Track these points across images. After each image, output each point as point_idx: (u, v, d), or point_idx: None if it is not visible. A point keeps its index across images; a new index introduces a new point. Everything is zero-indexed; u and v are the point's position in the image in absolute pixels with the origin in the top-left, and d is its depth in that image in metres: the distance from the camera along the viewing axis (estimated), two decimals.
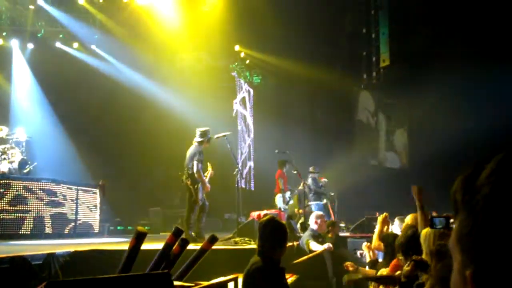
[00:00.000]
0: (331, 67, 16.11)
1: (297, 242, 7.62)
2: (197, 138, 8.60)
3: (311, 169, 12.36)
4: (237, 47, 15.88)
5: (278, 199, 11.35)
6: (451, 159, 14.24)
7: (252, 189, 15.94)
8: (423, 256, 3.46)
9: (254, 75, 17.08)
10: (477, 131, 14.32)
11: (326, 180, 12.50)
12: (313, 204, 11.59)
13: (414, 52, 16.28)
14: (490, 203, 0.81)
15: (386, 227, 6.06)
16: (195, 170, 8.20)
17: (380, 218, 6.09)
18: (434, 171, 15.19)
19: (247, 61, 16.55)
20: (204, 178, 8.41)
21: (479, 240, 0.83)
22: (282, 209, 10.97)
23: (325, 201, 12.16)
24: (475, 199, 0.83)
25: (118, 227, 13.20)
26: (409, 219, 5.64)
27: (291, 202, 11.55)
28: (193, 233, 8.11)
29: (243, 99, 16.58)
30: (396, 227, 6.42)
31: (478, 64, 14.60)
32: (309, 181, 11.85)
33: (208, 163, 8.71)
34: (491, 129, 14.16)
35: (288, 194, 11.46)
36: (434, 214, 5.09)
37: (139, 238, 3.20)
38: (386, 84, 17.41)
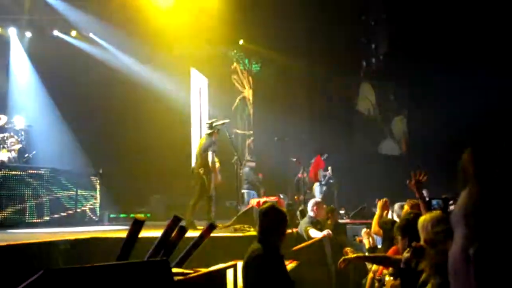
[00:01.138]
0: (330, 55, 16.03)
1: (296, 229, 7.63)
2: (207, 131, 8.96)
3: (247, 157, 12.51)
4: (241, 42, 15.85)
5: (317, 189, 11.51)
6: (451, 146, 14.24)
7: None
8: (421, 243, 3.46)
9: (253, 62, 17.01)
10: (477, 117, 14.29)
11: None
12: (245, 192, 11.73)
13: (414, 39, 16.20)
14: (507, 178, 0.80)
15: (385, 212, 6.08)
16: (208, 160, 8.50)
17: (379, 203, 6.11)
18: (433, 158, 15.19)
19: (246, 49, 16.45)
20: (217, 168, 8.61)
21: (489, 216, 0.82)
22: (317, 197, 11.08)
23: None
24: (491, 173, 0.82)
25: (118, 215, 13.23)
26: (407, 205, 5.66)
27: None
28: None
29: (243, 86, 16.53)
30: (395, 214, 6.43)
31: (478, 49, 14.56)
32: (246, 170, 11.96)
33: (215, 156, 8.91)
34: (491, 114, 14.16)
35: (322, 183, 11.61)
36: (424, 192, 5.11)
37: (137, 225, 3.20)
38: (386, 72, 17.36)
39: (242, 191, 11.57)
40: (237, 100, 16.34)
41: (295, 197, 12.48)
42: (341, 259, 4.47)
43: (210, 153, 8.59)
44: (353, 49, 17.14)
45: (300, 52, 15.60)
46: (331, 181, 13.11)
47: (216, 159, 8.88)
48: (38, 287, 2.01)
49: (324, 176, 12.04)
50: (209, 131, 8.91)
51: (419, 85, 16.73)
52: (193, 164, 8.65)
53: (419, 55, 15.96)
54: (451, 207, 3.64)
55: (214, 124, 9.02)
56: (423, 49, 15.92)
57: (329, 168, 12.42)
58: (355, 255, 4.83)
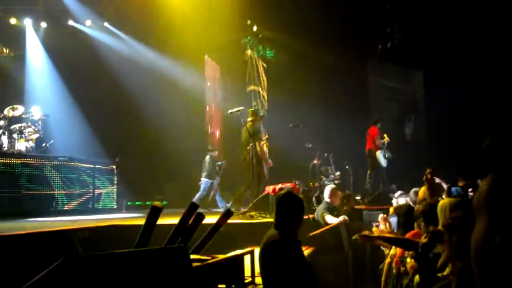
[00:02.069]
0: (345, 38, 15.88)
1: (313, 215, 7.64)
2: (249, 118, 9.02)
3: (209, 147, 12.91)
4: (255, 28, 15.79)
5: (381, 156, 11.70)
6: (468, 131, 14.10)
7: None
8: (439, 227, 3.45)
9: (267, 49, 16.92)
10: (494, 102, 14.12)
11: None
12: (202, 180, 12.25)
13: (429, 22, 15.96)
14: None
15: (388, 224, 6.02)
16: (257, 148, 8.56)
17: (381, 219, 6.07)
18: (451, 143, 15.06)
19: (260, 35, 16.37)
20: (266, 154, 8.82)
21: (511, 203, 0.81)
22: (384, 164, 11.73)
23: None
24: None
25: (135, 203, 13.34)
26: (421, 191, 5.63)
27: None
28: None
29: (257, 73, 16.46)
30: (410, 200, 6.40)
31: (495, 33, 14.32)
32: (206, 158, 12.43)
33: (263, 139, 8.99)
34: (510, 100, 13.96)
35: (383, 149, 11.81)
36: (437, 180, 5.11)
37: (155, 213, 3.22)
38: (401, 56, 17.15)
39: (201, 179, 12.30)
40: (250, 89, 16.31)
41: (311, 183, 12.49)
42: (360, 234, 4.48)
43: (257, 141, 8.65)
44: (368, 33, 16.96)
45: (314, 38, 15.46)
46: (347, 166, 13.09)
47: (264, 142, 8.95)
48: (59, 274, 2.04)
49: (383, 143, 12.19)
50: (251, 118, 8.99)
51: (435, 68, 16.51)
52: (253, 154, 8.68)
53: (435, 38, 15.74)
54: (471, 194, 3.61)
55: (229, 112, 9.00)
56: (439, 33, 15.70)
57: (385, 135, 12.47)
58: (375, 234, 4.84)
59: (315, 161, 12.73)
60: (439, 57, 15.56)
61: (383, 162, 12.03)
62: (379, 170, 12.13)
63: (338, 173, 12.85)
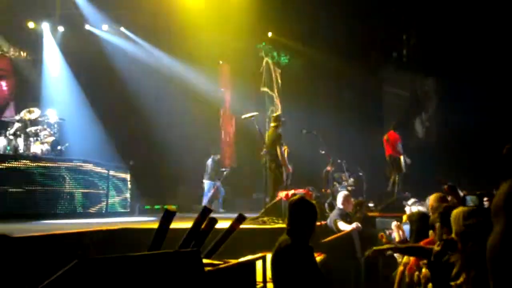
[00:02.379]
0: (360, 45, 15.84)
1: (325, 222, 7.61)
2: (272, 123, 9.14)
3: (212, 151, 13.33)
4: (270, 34, 15.84)
5: (403, 161, 11.76)
6: (483, 136, 13.97)
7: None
8: (453, 236, 3.41)
9: (281, 55, 16.92)
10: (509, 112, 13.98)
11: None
12: (205, 182, 12.88)
13: (445, 29, 15.87)
14: None
15: (402, 232, 5.97)
16: (279, 154, 8.63)
17: (395, 227, 6.02)
18: (465, 148, 14.92)
19: (275, 42, 16.37)
20: (286, 160, 8.77)
21: None
22: (404, 170, 11.87)
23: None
24: None
25: (148, 207, 13.40)
26: (431, 199, 5.58)
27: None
28: None
29: (271, 79, 16.47)
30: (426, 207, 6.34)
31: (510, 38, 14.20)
32: (209, 161, 13.06)
33: (283, 145, 9.01)
34: None
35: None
36: (445, 187, 5.06)
37: (169, 217, 3.24)
38: (416, 62, 17.06)
39: (203, 180, 12.90)
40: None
41: (323, 189, 12.45)
42: (371, 249, 4.44)
43: (278, 147, 8.68)
44: (383, 40, 16.90)
45: (328, 45, 15.44)
46: (360, 173, 13.03)
47: (285, 148, 8.98)
48: (72, 276, 2.06)
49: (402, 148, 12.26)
50: (274, 123, 9.04)
51: (451, 75, 16.40)
52: (266, 159, 8.70)
53: (450, 45, 15.64)
54: (486, 204, 3.56)
55: (243, 117, 9.03)
56: (454, 38, 15.60)
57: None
58: (386, 246, 4.79)
59: (329, 168, 12.68)
60: (453, 64, 15.46)
61: (405, 168, 12.02)
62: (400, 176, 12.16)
63: (351, 180, 12.80)
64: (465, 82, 15.26)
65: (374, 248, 4.42)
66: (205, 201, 12.54)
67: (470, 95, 14.98)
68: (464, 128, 14.78)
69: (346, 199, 7.56)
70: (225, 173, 13.36)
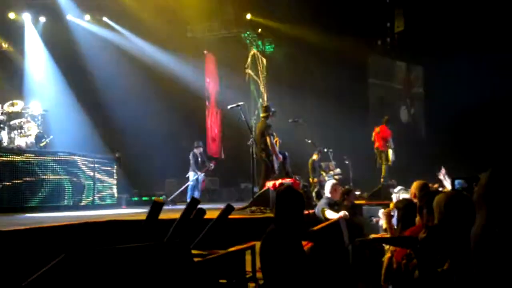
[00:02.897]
0: (344, 33, 15.86)
1: (313, 211, 7.64)
2: (262, 114, 9.22)
3: (195, 144, 12.97)
4: (248, 16, 15.71)
5: (391, 154, 11.91)
6: (468, 125, 14.12)
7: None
8: (436, 222, 3.44)
9: (266, 43, 16.89)
10: (494, 97, 14.13)
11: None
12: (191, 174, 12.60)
13: (429, 17, 15.95)
14: None
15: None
16: (268, 143, 8.68)
17: (384, 214, 6.06)
18: (451, 137, 15.08)
19: (259, 30, 16.33)
20: (276, 149, 8.83)
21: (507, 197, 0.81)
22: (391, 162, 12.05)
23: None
24: None
25: (135, 198, 13.35)
26: (414, 186, 5.62)
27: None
28: None
29: (256, 67, 16.45)
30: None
31: (495, 28, 14.32)
32: (190, 155, 12.78)
33: (275, 134, 9.03)
34: (509, 93, 13.99)
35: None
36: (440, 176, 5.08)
37: (156, 208, 3.23)
38: (400, 50, 17.15)
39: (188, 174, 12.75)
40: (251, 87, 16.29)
41: (310, 179, 12.52)
42: (358, 239, 4.47)
43: (267, 137, 8.70)
44: (368, 28, 16.93)
45: (314, 33, 15.44)
46: (346, 162, 13.12)
47: (276, 139, 9.00)
48: (61, 269, 2.04)
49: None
50: (264, 114, 9.07)
51: (434, 64, 16.51)
52: (253, 149, 8.69)
53: (434, 34, 15.73)
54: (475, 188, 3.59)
55: (229, 107, 9.01)
56: (439, 28, 15.69)
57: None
58: (371, 236, 4.83)
59: (314, 157, 12.74)
60: (439, 52, 15.56)
61: (392, 161, 12.24)
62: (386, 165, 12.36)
63: (338, 170, 12.88)
64: (450, 69, 15.37)
65: (358, 239, 4.46)
66: (192, 194, 12.20)
67: (456, 81, 15.11)
68: (450, 115, 14.93)
69: (334, 188, 7.59)
70: (208, 166, 13.14)
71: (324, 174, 12.62)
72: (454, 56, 15.04)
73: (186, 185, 12.58)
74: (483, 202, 1.34)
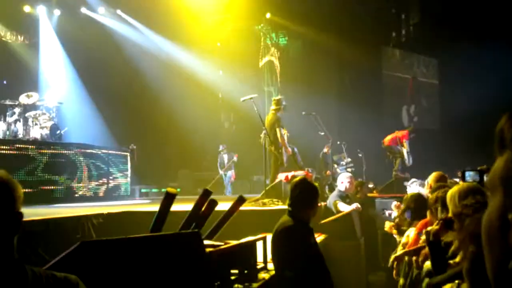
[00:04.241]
0: (359, 25, 15.75)
1: (325, 203, 7.64)
2: (272, 107, 9.10)
3: (220, 148, 14.53)
4: (268, 15, 15.72)
5: (405, 154, 11.99)
6: (484, 118, 13.95)
7: None
8: (450, 215, 3.43)
9: (280, 36, 16.82)
10: (510, 90, 13.95)
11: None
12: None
13: (445, 9, 15.77)
14: None
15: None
16: (278, 136, 8.65)
17: (395, 207, 6.05)
18: (466, 130, 14.93)
19: (268, 15, 16.20)
20: (286, 142, 8.81)
21: None
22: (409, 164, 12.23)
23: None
24: None
25: (149, 190, 13.44)
26: (431, 178, 5.59)
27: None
28: None
29: (270, 60, 16.41)
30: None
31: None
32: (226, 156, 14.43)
33: (283, 128, 9.06)
34: None
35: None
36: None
37: (169, 199, 3.26)
38: (416, 42, 16.99)
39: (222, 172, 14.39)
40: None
41: (323, 171, 12.50)
42: (392, 258, 4.53)
43: (277, 130, 8.72)
44: (382, 20, 16.79)
45: (328, 24, 15.35)
46: (360, 154, 13.07)
47: (284, 131, 9.01)
48: (75, 258, 2.08)
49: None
50: (275, 107, 9.02)
51: (450, 56, 16.34)
52: (263, 142, 8.73)
53: (450, 26, 15.56)
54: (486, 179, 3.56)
55: (242, 99, 9.00)
56: (455, 19, 15.51)
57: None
58: (401, 251, 4.84)
59: (326, 150, 12.72)
60: (454, 44, 15.38)
61: (407, 160, 12.24)
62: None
63: (349, 159, 12.85)
64: (465, 62, 15.21)
65: (394, 256, 4.50)
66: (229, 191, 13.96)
67: (471, 74, 14.95)
68: (466, 109, 14.77)
69: (348, 181, 7.56)
70: (231, 160, 14.43)
71: (336, 166, 12.60)
72: (469, 48, 14.87)
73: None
74: (500, 184, 1.32)
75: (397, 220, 5.69)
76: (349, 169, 12.35)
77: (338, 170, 12.02)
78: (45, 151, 9.74)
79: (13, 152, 9.24)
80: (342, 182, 7.54)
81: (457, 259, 3.23)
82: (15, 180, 1.53)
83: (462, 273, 2.95)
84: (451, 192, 3.27)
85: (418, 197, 5.32)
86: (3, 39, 13.93)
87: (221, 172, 14.34)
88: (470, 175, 3.25)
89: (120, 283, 1.55)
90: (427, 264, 3.59)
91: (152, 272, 2.36)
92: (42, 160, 9.59)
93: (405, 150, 12.32)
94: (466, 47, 14.98)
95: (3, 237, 1.47)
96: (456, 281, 2.91)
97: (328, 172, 12.46)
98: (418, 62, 18.65)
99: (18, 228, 1.51)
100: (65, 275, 1.54)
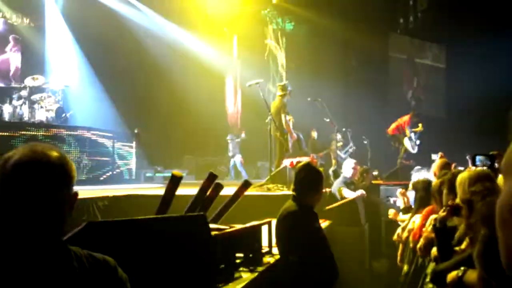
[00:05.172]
0: (366, 11, 15.60)
1: (330, 189, 7.64)
2: (278, 92, 9.12)
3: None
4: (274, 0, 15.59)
5: (407, 142, 11.93)
6: (490, 105, 13.88)
7: None
8: (458, 201, 3.41)
9: (286, 21, 16.70)
10: None
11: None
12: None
13: None
14: None
15: (407, 199, 5.98)
16: (283, 122, 8.69)
17: (400, 194, 6.02)
18: (472, 117, 14.85)
19: (275, 1, 16.07)
20: (291, 128, 8.86)
21: None
22: (414, 151, 12.20)
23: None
24: None
25: (154, 174, 13.48)
26: (435, 166, 5.58)
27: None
28: None
29: (276, 45, 16.32)
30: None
31: None
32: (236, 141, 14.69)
33: (288, 114, 9.06)
34: None
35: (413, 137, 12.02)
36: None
37: (175, 182, 3.26)
38: (424, 29, 16.83)
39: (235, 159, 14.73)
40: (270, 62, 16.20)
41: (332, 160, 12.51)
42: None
43: (282, 116, 8.73)
44: (390, 6, 16.63)
45: (334, 10, 15.21)
46: (365, 141, 13.02)
47: (289, 117, 9.01)
48: (82, 238, 2.08)
49: (414, 132, 12.40)
50: (281, 93, 9.02)
51: (458, 42, 16.20)
52: (268, 127, 8.73)
53: (458, 12, 15.40)
54: (497, 165, 3.52)
55: (248, 84, 8.99)
56: (463, 6, 15.35)
57: (420, 124, 12.55)
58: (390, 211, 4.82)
59: (333, 146, 12.79)
60: (462, 32, 15.22)
61: (412, 149, 12.19)
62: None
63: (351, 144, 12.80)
64: (473, 49, 15.07)
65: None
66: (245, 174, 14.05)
67: (479, 63, 14.82)
68: (473, 96, 14.67)
69: (353, 167, 7.56)
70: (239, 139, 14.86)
71: (334, 148, 12.67)
72: (477, 35, 14.74)
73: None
74: None
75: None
76: (350, 149, 12.39)
77: (340, 154, 12.01)
78: (50, 133, 9.75)
79: (17, 134, 9.26)
80: (347, 169, 7.54)
81: (463, 246, 3.22)
82: (70, 159, 1.50)
83: (468, 260, 2.94)
84: (461, 178, 3.25)
85: (428, 184, 5.30)
86: (9, 21, 13.89)
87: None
88: (480, 159, 3.21)
89: (126, 263, 1.55)
90: (434, 251, 3.59)
91: (158, 253, 2.36)
92: (47, 143, 9.60)
93: (406, 139, 12.27)
94: (474, 34, 14.84)
95: (60, 219, 1.45)
96: (462, 268, 2.90)
97: (334, 161, 12.51)
98: (425, 48, 18.51)
99: (72, 209, 1.49)
100: (103, 256, 1.53)
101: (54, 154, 1.43)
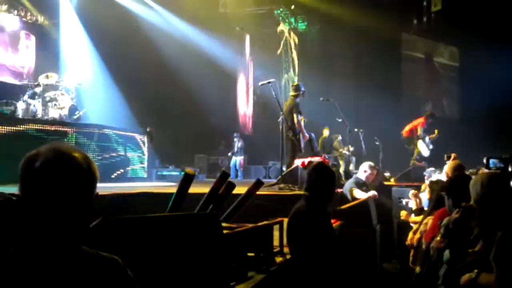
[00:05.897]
0: (379, 12, 15.53)
1: (341, 190, 7.60)
2: (292, 93, 9.16)
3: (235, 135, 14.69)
4: None
5: (421, 146, 11.89)
6: (504, 108, 13.75)
7: None
8: (472, 203, 3.37)
9: (299, 21, 16.68)
10: None
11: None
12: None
13: None
14: None
15: (419, 201, 5.93)
16: (295, 121, 8.70)
17: (412, 195, 5.97)
18: (486, 119, 14.73)
19: (292, 7, 16.12)
20: (303, 128, 8.86)
21: None
22: (426, 155, 12.04)
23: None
24: None
25: (165, 173, 13.52)
26: (448, 167, 5.52)
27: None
28: None
29: (289, 45, 16.31)
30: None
31: None
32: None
33: (301, 114, 9.09)
34: None
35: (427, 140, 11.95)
36: None
37: (188, 180, 3.26)
38: (437, 30, 16.72)
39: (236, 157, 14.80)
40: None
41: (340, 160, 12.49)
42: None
43: (294, 115, 8.74)
44: (404, 7, 16.54)
45: (347, 11, 15.17)
46: (377, 142, 12.96)
47: (301, 117, 9.01)
48: (96, 234, 2.09)
49: (430, 138, 12.31)
50: (294, 93, 9.04)
51: (471, 44, 16.07)
52: (280, 127, 8.73)
53: (471, 14, 15.28)
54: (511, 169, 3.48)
55: (260, 83, 8.99)
56: (476, 8, 15.23)
57: (436, 131, 12.47)
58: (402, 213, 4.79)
59: (336, 143, 12.78)
60: (476, 34, 15.11)
61: (425, 152, 12.09)
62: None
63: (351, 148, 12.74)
64: (486, 52, 14.94)
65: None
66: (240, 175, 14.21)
67: (493, 65, 14.69)
68: (486, 98, 14.55)
69: (369, 170, 7.47)
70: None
71: (339, 149, 12.69)
72: (490, 37, 14.62)
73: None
74: None
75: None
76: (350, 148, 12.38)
77: (345, 153, 12.02)
78: (62, 131, 9.80)
79: (30, 130, 9.33)
80: (365, 171, 7.46)
81: (477, 248, 3.19)
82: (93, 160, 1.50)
83: (481, 262, 2.91)
84: (474, 180, 3.23)
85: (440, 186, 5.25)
86: (24, 19, 14.00)
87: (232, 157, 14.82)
88: (494, 162, 3.20)
89: (138, 260, 1.56)
90: (447, 253, 3.56)
91: (170, 251, 2.36)
92: (57, 141, 9.64)
93: (420, 141, 12.20)
94: (487, 36, 14.72)
95: (87, 219, 1.47)
96: (475, 270, 2.87)
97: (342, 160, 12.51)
98: (439, 49, 18.38)
99: (94, 210, 1.49)
100: (111, 256, 1.53)
101: (80, 155, 1.45)
